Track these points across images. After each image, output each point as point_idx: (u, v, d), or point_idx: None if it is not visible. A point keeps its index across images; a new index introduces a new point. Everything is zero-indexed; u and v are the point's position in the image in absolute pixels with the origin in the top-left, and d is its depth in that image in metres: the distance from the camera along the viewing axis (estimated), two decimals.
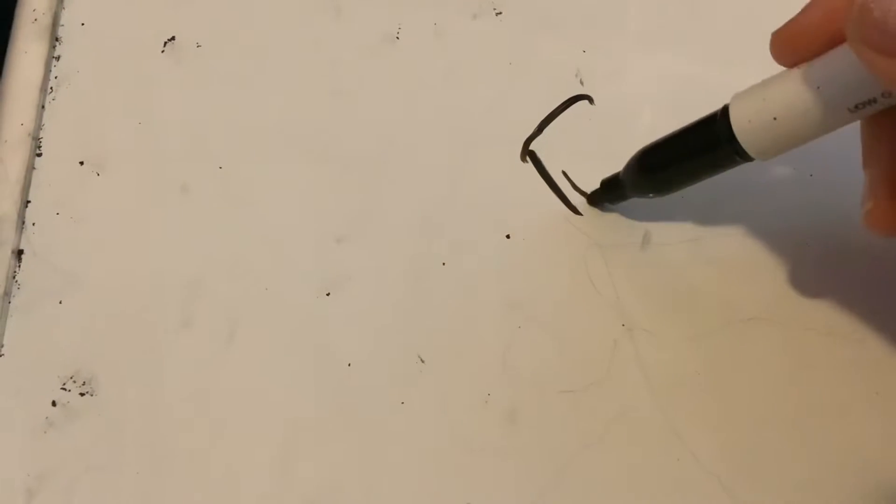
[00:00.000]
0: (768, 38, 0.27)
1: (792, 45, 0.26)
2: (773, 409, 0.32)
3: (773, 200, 0.34)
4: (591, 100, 0.35)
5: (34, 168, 0.36)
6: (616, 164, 0.33)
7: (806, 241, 0.34)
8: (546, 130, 0.35)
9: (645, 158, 0.32)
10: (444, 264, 0.34)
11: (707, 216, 0.34)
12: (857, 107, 0.25)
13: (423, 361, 0.33)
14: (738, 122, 0.27)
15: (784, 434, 0.31)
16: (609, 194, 0.34)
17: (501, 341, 0.33)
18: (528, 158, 0.35)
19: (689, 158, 0.30)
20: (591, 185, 0.35)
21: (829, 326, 0.33)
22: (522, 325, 0.33)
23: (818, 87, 0.25)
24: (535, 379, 0.32)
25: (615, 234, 0.34)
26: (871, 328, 0.33)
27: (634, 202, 0.34)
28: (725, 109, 0.28)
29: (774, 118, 0.26)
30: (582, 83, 0.37)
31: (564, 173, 0.35)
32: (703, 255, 0.34)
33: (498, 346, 0.33)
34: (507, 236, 0.34)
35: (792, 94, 0.26)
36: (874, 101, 0.24)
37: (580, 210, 0.35)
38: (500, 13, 0.38)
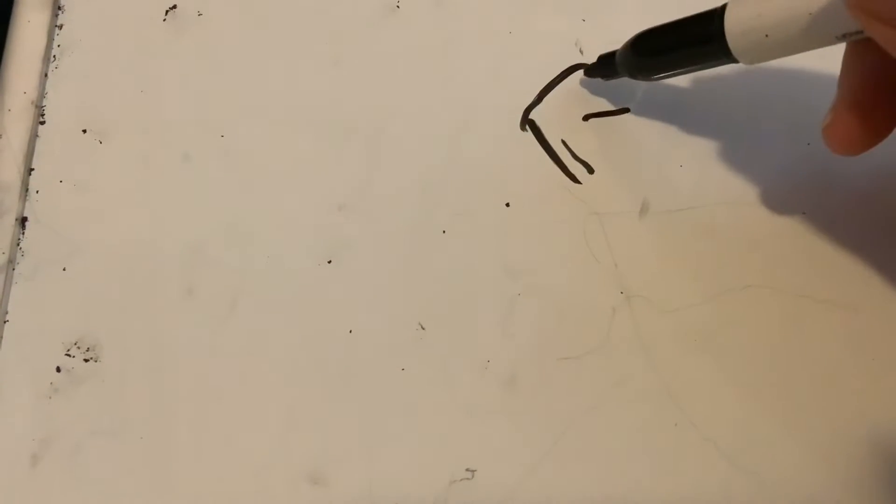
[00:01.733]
0: None
1: None
2: (769, 375, 0.32)
3: (771, 169, 0.35)
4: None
5: (37, 136, 0.36)
6: (612, 132, 0.33)
7: (802, 210, 0.34)
8: (545, 99, 0.35)
9: (640, 39, 0.32)
10: (444, 232, 0.34)
11: (705, 185, 0.34)
12: (844, 35, 0.26)
13: (423, 328, 0.33)
14: (731, 31, 0.28)
15: (781, 400, 0.32)
16: (603, 69, 0.35)
17: (501, 308, 0.33)
18: (527, 127, 0.35)
19: (679, 48, 0.31)
20: (590, 155, 0.35)
21: (826, 294, 0.33)
22: (522, 292, 0.33)
23: (810, 14, 0.26)
24: (535, 346, 0.33)
25: (613, 203, 0.34)
26: (867, 296, 0.33)
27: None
28: (723, 11, 0.29)
29: (766, 35, 0.27)
30: (581, 52, 0.37)
31: (564, 142, 0.35)
32: (701, 223, 0.34)
33: (497, 314, 0.33)
34: (507, 204, 0.34)
35: (785, 15, 0.27)
36: (861, 32, 0.25)
37: (579, 179, 0.35)
38: None
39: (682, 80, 0.36)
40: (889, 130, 0.29)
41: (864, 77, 0.28)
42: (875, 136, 0.29)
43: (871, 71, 0.28)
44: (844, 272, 0.33)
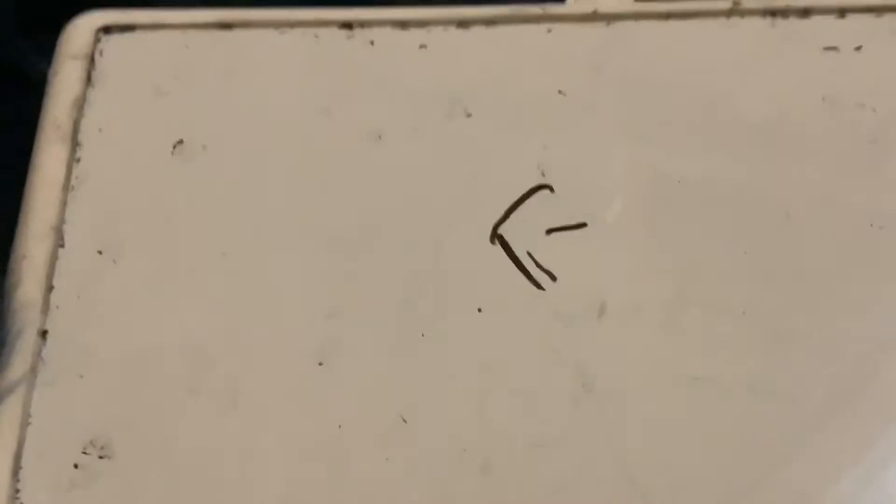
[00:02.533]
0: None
1: None
2: (726, 462, 0.36)
3: (717, 270, 0.39)
4: (551, 189, 0.40)
5: (57, 258, 0.40)
6: (576, 245, 0.38)
7: (743, 311, 0.38)
8: (512, 216, 0.40)
9: None
10: (423, 335, 0.38)
11: (656, 286, 0.39)
12: None
13: (405, 421, 0.36)
14: None
15: (739, 477, 0.35)
16: None
17: (475, 401, 0.36)
18: (496, 241, 0.39)
19: None
20: (552, 265, 0.39)
21: (778, 390, 0.37)
22: (493, 387, 0.37)
23: None
24: (506, 434, 0.36)
25: (574, 306, 0.38)
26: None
27: None
28: None
29: None
30: (543, 174, 0.41)
31: (529, 254, 0.39)
32: (655, 322, 0.38)
33: (472, 406, 0.36)
34: (479, 309, 0.38)
35: None
36: None
37: (543, 286, 0.39)
38: (471, 115, 0.43)
39: (638, 194, 0.40)
40: None
41: None
42: None
43: None
44: (786, 365, 0.37)
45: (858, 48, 0.43)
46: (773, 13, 0.44)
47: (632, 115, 0.43)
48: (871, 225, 0.39)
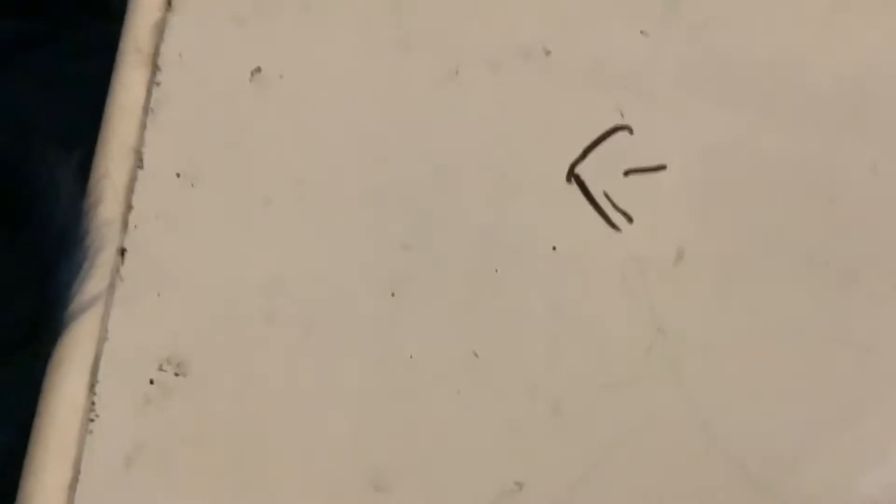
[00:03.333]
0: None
1: None
2: (799, 407, 0.35)
3: (797, 221, 0.38)
4: (630, 130, 0.40)
5: (136, 179, 0.40)
6: (655, 187, 0.37)
7: (827, 261, 0.37)
8: (590, 156, 0.39)
9: None
10: (496, 271, 0.38)
11: (734, 233, 0.38)
12: None
13: (476, 356, 0.36)
14: None
15: (809, 429, 0.35)
16: None
17: (547, 340, 0.36)
18: (573, 180, 0.39)
19: None
20: (629, 206, 0.39)
21: (855, 341, 0.36)
22: (566, 326, 0.37)
23: None
24: (578, 374, 0.36)
25: (651, 249, 0.38)
26: (889, 339, 0.36)
27: None
28: None
29: None
30: (622, 115, 0.41)
31: (606, 194, 0.39)
32: (731, 270, 0.37)
33: (544, 344, 0.36)
34: (554, 248, 0.38)
35: None
36: None
37: (619, 227, 0.38)
38: (550, 53, 0.43)
39: (716, 141, 0.39)
40: None
41: None
42: None
43: None
44: (869, 318, 0.36)
45: None
46: None
47: (711, 60, 0.42)
48: None
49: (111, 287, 0.37)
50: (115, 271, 0.38)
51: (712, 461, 0.34)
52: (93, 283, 0.37)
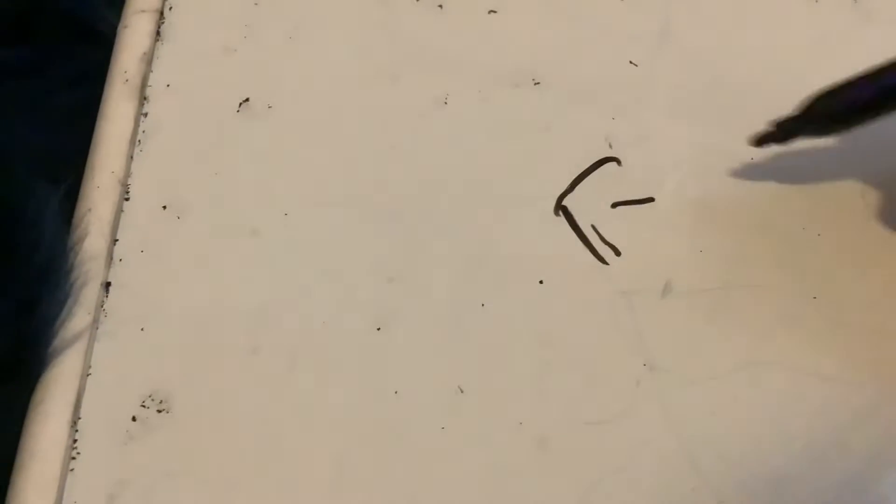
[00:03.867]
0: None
1: None
2: (783, 447, 0.35)
3: (783, 257, 0.38)
4: (618, 162, 0.40)
5: (122, 211, 0.40)
6: (643, 219, 0.37)
7: (814, 296, 0.37)
8: (578, 188, 0.39)
9: (825, 100, 0.35)
10: (482, 305, 0.37)
11: (723, 269, 0.38)
12: None
13: (462, 391, 0.36)
14: None
15: (792, 469, 0.34)
16: (783, 135, 0.37)
17: (533, 375, 0.36)
18: (560, 213, 0.39)
19: (881, 97, 0.34)
20: (617, 239, 0.38)
21: (838, 375, 0.36)
22: (553, 361, 0.36)
23: None
24: (564, 410, 0.35)
25: (638, 283, 0.38)
26: (874, 374, 0.36)
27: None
28: None
29: None
30: (611, 146, 0.40)
31: (593, 227, 0.39)
32: (719, 303, 0.37)
33: (530, 380, 0.36)
34: (541, 282, 0.38)
35: None
36: None
37: (607, 260, 0.38)
38: (539, 83, 0.42)
39: (707, 172, 0.39)
40: None
41: None
42: None
43: None
44: (853, 350, 0.36)
45: None
46: None
47: (702, 90, 0.42)
48: None
49: (95, 322, 0.37)
50: (99, 305, 0.38)
51: (700, 498, 0.34)
52: (76, 319, 0.37)
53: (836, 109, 0.35)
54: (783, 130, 0.37)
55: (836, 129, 0.36)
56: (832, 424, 0.35)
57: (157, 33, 0.44)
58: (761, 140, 0.37)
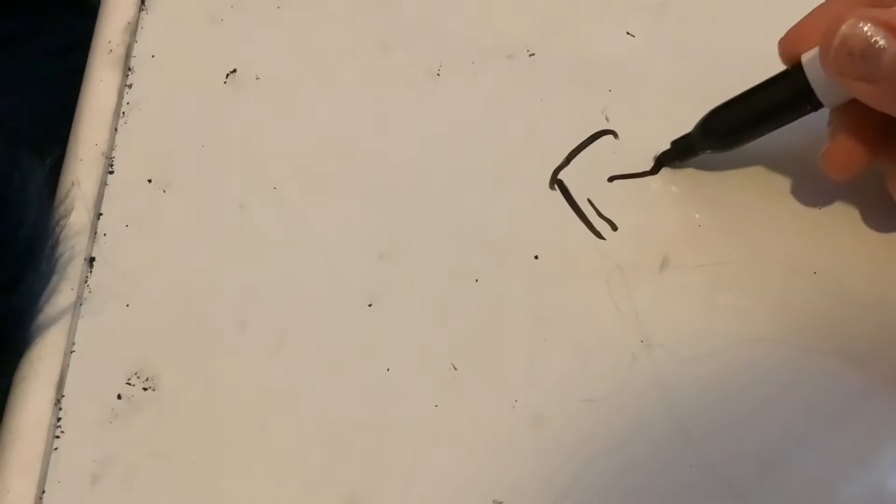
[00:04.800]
0: None
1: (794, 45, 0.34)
2: (779, 423, 0.34)
3: (784, 232, 0.37)
4: (615, 135, 0.39)
5: (106, 184, 0.39)
6: (640, 193, 0.36)
7: (814, 270, 0.36)
8: (573, 161, 0.38)
9: (716, 118, 0.36)
10: (476, 281, 0.37)
11: (721, 243, 0.37)
12: None
13: (455, 369, 0.35)
14: (814, 80, 0.33)
15: (789, 444, 0.34)
16: (678, 154, 0.38)
17: (528, 352, 0.35)
18: (556, 186, 0.38)
19: (766, 112, 0.35)
20: (614, 214, 0.38)
21: (834, 348, 0.35)
22: (548, 338, 0.36)
23: None
24: (559, 387, 0.35)
25: (635, 258, 0.37)
26: (875, 352, 0.35)
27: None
28: (791, 72, 0.34)
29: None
30: (607, 119, 0.40)
31: (589, 201, 0.38)
32: (717, 278, 0.36)
33: (525, 357, 0.35)
34: (536, 257, 0.37)
35: None
36: None
37: (603, 235, 0.37)
38: (534, 55, 0.42)
39: None
40: (873, 159, 0.34)
41: (851, 114, 0.33)
42: (863, 162, 0.34)
43: (858, 111, 0.32)
44: (858, 330, 0.35)
45: None
46: None
47: (701, 62, 0.41)
48: None
49: (79, 298, 0.36)
50: (83, 281, 0.37)
51: (696, 474, 0.33)
52: (61, 295, 0.36)
53: (733, 125, 0.36)
54: (679, 150, 0.38)
55: (732, 144, 0.37)
56: (830, 401, 0.34)
57: (142, 3, 0.43)
58: (660, 160, 0.38)
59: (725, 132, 0.36)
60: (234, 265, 0.37)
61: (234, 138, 0.40)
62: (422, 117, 0.40)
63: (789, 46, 0.34)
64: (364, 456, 0.34)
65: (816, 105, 0.33)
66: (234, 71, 0.41)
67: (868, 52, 0.29)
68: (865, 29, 0.29)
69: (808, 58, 0.33)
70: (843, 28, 0.29)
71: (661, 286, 0.36)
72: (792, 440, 0.34)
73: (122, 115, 0.40)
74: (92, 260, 0.37)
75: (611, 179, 0.38)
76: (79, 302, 0.36)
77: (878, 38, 0.29)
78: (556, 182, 0.38)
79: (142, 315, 0.36)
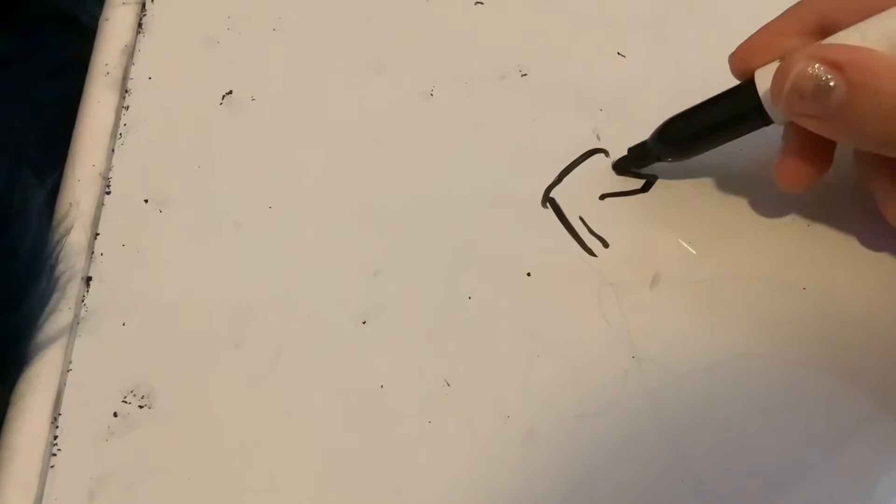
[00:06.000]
0: None
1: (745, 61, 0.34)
2: (769, 438, 0.34)
3: (774, 246, 0.38)
4: (606, 153, 0.39)
5: (103, 205, 0.39)
6: (631, 211, 0.37)
7: (804, 286, 0.37)
8: (565, 180, 0.39)
9: (673, 124, 0.36)
10: (469, 298, 0.37)
11: (711, 260, 0.37)
12: None
13: (448, 385, 0.36)
14: (765, 98, 0.33)
15: (784, 455, 0.34)
16: (635, 161, 0.38)
17: (521, 368, 0.36)
18: (548, 204, 0.38)
19: (718, 123, 0.36)
20: (605, 231, 0.38)
21: (828, 366, 0.35)
22: (541, 353, 0.36)
23: None
24: (552, 403, 0.35)
25: (627, 274, 0.37)
26: (864, 364, 0.35)
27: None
28: (743, 87, 0.34)
29: None
30: (598, 138, 0.40)
31: (581, 218, 0.38)
32: (707, 294, 0.37)
33: (518, 373, 0.36)
34: (528, 274, 0.37)
35: None
36: None
37: (595, 252, 0.38)
38: (526, 75, 0.42)
39: (689, 165, 0.39)
40: (824, 172, 0.35)
41: (801, 131, 0.33)
42: (814, 177, 0.35)
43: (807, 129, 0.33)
44: (842, 342, 0.36)
45: None
46: None
47: (691, 81, 0.41)
48: None
49: (76, 317, 0.37)
50: (80, 300, 0.37)
51: (688, 488, 0.34)
52: (59, 314, 0.36)
53: (687, 134, 0.36)
54: (635, 157, 0.38)
55: (687, 153, 0.37)
56: (821, 415, 0.35)
57: (139, 26, 0.44)
58: (616, 166, 0.39)
59: (680, 141, 0.37)
60: (229, 284, 0.38)
61: (230, 158, 0.40)
62: (416, 137, 0.41)
63: (740, 62, 0.35)
64: (358, 472, 0.34)
65: (768, 121, 0.34)
66: (230, 92, 0.42)
67: (818, 91, 0.30)
68: (816, 69, 0.30)
69: (760, 76, 0.33)
70: (794, 71, 0.30)
71: (652, 302, 0.37)
72: (783, 454, 0.34)
73: (119, 136, 0.41)
74: (89, 279, 0.38)
75: (602, 197, 0.39)
76: (76, 321, 0.37)
77: (827, 77, 0.30)
78: (548, 200, 0.38)
79: (138, 333, 0.37)
